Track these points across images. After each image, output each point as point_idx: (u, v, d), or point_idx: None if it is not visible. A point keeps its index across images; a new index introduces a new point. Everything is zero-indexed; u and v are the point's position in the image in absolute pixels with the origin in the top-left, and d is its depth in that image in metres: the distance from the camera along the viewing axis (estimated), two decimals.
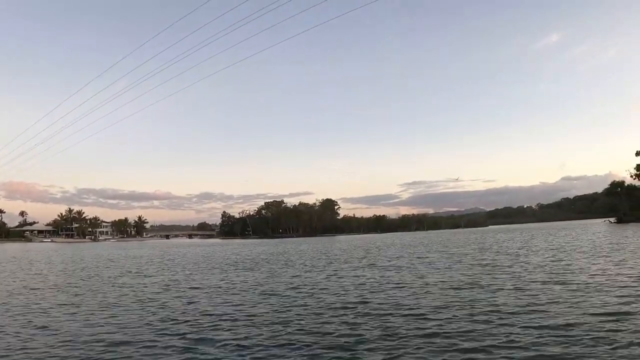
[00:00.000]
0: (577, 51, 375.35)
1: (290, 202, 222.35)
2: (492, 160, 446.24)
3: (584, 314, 10.40)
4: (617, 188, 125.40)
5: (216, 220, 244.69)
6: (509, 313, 10.82)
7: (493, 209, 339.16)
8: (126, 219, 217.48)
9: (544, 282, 15.75)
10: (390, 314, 11.38)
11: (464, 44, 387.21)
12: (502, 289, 14.81)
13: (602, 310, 10.57)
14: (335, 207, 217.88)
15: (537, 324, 9.60)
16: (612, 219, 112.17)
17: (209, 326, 10.72)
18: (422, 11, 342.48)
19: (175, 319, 11.70)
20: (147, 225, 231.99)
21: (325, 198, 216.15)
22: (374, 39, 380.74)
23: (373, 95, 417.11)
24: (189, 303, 14.46)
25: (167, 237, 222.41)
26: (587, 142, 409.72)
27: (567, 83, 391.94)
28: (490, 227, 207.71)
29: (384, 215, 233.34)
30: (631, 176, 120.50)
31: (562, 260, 23.66)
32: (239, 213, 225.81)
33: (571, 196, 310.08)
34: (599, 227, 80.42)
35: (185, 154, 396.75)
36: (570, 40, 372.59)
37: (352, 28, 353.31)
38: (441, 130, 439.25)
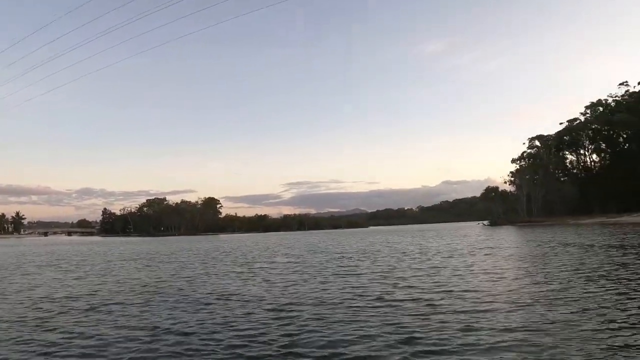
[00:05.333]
0: (460, 60, 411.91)
1: (173, 200, 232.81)
2: (375, 163, 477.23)
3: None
4: (492, 193, 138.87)
5: (97, 217, 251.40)
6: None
7: (375, 210, 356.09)
8: (3, 215, 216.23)
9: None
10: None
11: (346, 48, 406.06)
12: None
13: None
14: (218, 206, 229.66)
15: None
16: (486, 222, 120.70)
17: None
18: (306, 13, 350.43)
19: None
20: (25, 222, 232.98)
21: (207, 197, 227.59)
22: (262, 38, 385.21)
23: (257, 94, 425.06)
24: None
25: (46, 234, 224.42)
26: (468, 148, 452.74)
27: (450, 90, 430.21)
28: (370, 228, 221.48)
29: (266, 215, 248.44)
30: (505, 182, 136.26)
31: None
32: (120, 210, 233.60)
33: (451, 199, 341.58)
34: (470, 230, 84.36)
35: (65, 146, 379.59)
36: (454, 49, 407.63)
37: (238, 27, 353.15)
38: (324, 132, 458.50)
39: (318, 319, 9.82)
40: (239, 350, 7.69)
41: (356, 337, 8.19)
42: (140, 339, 8.53)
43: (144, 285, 16.76)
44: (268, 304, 11.97)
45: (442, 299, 11.60)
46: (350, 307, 11.04)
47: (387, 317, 9.75)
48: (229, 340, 8.32)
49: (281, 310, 10.94)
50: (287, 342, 8.04)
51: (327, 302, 11.81)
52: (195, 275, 20.06)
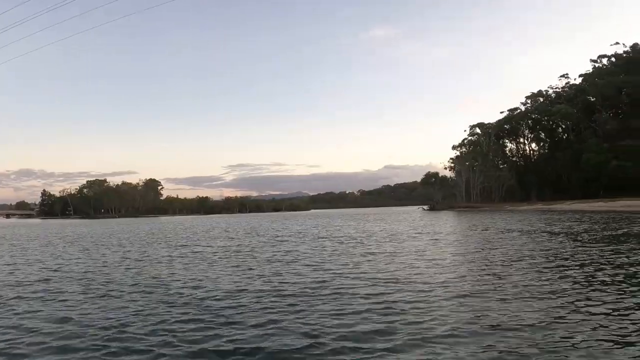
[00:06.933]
0: (406, 46, 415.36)
1: (114, 181, 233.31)
2: (317, 146, 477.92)
3: None
4: (432, 178, 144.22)
5: (36, 199, 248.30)
6: None
7: (316, 193, 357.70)
8: None
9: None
10: None
11: (291, 31, 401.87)
12: None
13: None
14: (159, 188, 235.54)
15: None
16: (426, 207, 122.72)
17: None
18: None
19: None
20: None
21: (148, 178, 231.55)
22: (210, 18, 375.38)
23: (199, 73, 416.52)
24: None
25: None
26: (411, 133, 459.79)
27: (395, 76, 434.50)
28: (312, 211, 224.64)
29: (207, 197, 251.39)
30: (445, 168, 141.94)
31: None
32: (60, 192, 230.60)
33: (392, 184, 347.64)
34: (411, 214, 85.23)
35: (2, 125, 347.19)
36: (400, 36, 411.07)
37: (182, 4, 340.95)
38: (267, 114, 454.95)
39: (256, 308, 9.35)
40: (170, 339, 7.34)
41: (292, 330, 7.72)
42: (68, 332, 7.93)
43: (83, 272, 15.81)
44: (205, 291, 11.41)
45: (383, 288, 11.08)
46: (289, 295, 10.55)
47: (327, 307, 9.24)
48: (160, 331, 7.87)
49: (219, 299, 10.40)
50: (218, 335, 7.56)
51: (266, 290, 11.28)
52: (132, 260, 19.37)
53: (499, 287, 10.70)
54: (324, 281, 12.27)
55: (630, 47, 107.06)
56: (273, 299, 10.19)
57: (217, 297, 10.56)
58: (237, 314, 8.91)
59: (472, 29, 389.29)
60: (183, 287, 11.99)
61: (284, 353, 6.58)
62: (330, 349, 6.67)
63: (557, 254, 16.57)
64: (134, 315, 9.03)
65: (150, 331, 7.85)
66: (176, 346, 7.01)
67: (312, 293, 10.67)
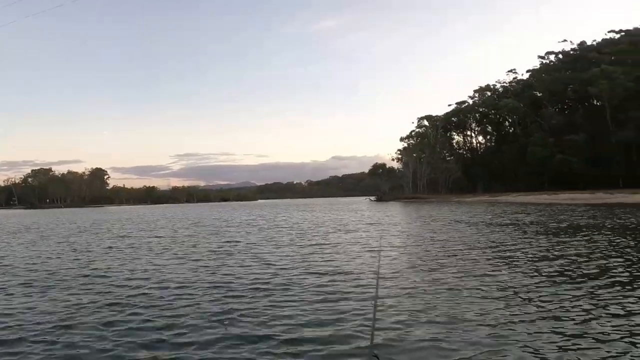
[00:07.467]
0: (354, 37, 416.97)
1: (59, 170, 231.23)
2: (265, 136, 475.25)
3: None
4: (379, 169, 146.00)
5: None
6: None
7: (264, 184, 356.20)
8: None
9: None
10: None
11: (240, 21, 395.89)
12: None
13: None
14: (105, 177, 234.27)
15: None
16: (373, 197, 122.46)
17: None
18: None
19: None
20: None
21: (95, 167, 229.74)
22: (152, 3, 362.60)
23: (148, 62, 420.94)
24: None
25: None
26: (359, 124, 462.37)
27: (343, 67, 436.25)
28: (259, 201, 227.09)
29: (154, 187, 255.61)
30: (392, 159, 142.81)
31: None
32: (4, 181, 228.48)
33: (340, 175, 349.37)
34: (358, 205, 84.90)
35: None
36: (348, 26, 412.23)
37: None
38: (215, 103, 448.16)
39: (203, 302, 8.87)
40: (113, 342, 6.65)
41: (240, 327, 7.11)
42: (9, 334, 7.15)
43: (26, 265, 14.95)
44: (151, 287, 10.57)
45: (332, 280, 10.59)
46: (236, 289, 9.99)
47: (274, 301, 8.71)
48: (104, 331, 7.15)
49: (165, 295, 9.66)
50: (162, 333, 6.91)
51: (212, 284, 10.65)
52: (78, 252, 18.36)
53: (450, 279, 10.34)
54: (272, 274, 11.80)
55: (578, 44, 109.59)
56: (219, 292, 9.71)
57: (163, 294, 9.72)
58: (183, 307, 8.46)
59: (422, 21, 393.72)
60: (129, 280, 11.53)
61: (232, 351, 6.14)
62: (280, 348, 6.22)
63: (506, 246, 16.36)
64: (78, 313, 8.34)
65: (94, 334, 7.14)
66: (119, 347, 6.43)
67: (259, 287, 10.21)
